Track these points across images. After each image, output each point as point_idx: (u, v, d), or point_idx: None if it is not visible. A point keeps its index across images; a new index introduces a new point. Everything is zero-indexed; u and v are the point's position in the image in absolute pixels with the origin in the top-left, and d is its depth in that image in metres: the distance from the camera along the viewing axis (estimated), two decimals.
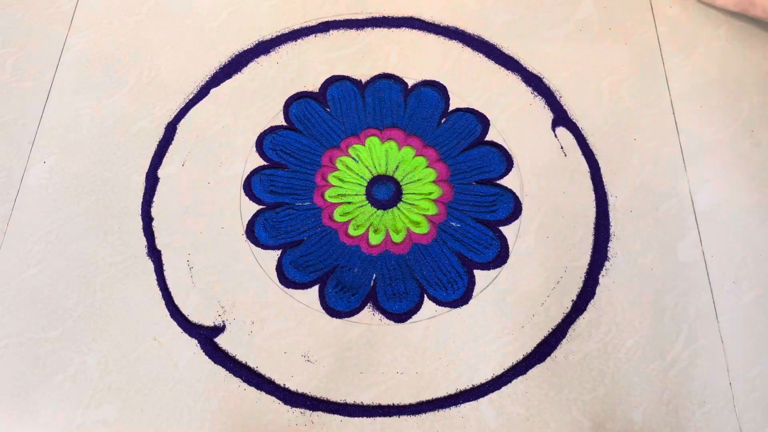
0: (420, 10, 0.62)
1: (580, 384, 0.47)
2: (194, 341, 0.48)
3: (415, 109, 0.57)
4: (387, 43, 0.60)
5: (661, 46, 0.60)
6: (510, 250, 0.52)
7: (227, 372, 0.47)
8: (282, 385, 0.47)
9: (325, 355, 0.48)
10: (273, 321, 0.49)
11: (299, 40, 0.61)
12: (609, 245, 0.52)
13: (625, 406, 0.47)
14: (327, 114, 0.57)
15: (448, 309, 0.50)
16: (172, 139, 0.56)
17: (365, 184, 0.54)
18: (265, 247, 0.52)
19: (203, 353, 0.48)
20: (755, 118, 0.57)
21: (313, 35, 0.61)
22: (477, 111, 0.57)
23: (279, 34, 0.61)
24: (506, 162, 0.55)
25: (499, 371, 0.48)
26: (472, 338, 0.49)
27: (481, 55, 0.60)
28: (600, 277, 0.51)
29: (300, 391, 0.47)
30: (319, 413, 0.46)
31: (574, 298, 0.50)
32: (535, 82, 0.58)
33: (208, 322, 0.49)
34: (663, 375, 0.47)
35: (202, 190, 0.54)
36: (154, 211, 0.53)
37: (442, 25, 0.61)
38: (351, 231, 0.52)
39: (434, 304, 0.50)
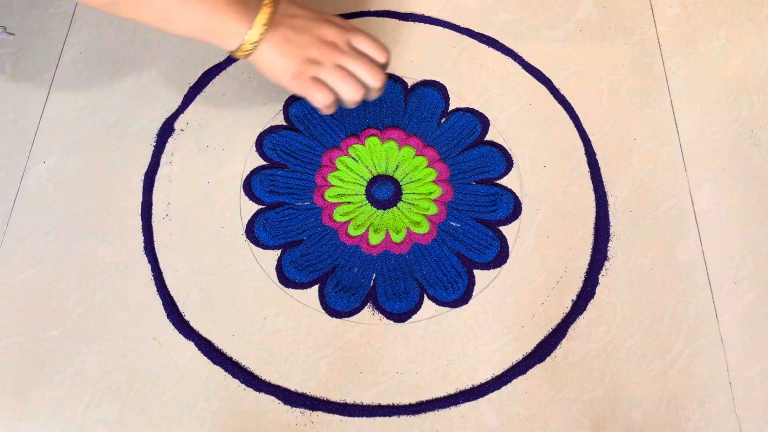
0: (420, 10, 0.62)
1: (580, 384, 0.47)
2: (192, 343, 0.48)
3: (415, 109, 0.57)
4: (388, 42, 0.60)
5: (661, 46, 0.60)
6: (510, 250, 0.52)
7: (226, 372, 0.47)
8: (282, 385, 0.47)
9: (325, 355, 0.48)
10: (273, 321, 0.49)
11: None
12: (609, 245, 0.52)
13: (625, 406, 0.47)
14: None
15: (448, 309, 0.50)
16: (172, 139, 0.56)
17: (365, 184, 0.54)
18: (265, 247, 0.52)
19: (202, 354, 0.48)
20: (755, 118, 0.57)
21: None
22: (477, 111, 0.57)
23: None
24: (506, 162, 0.55)
25: (499, 371, 0.48)
26: (472, 338, 0.49)
27: (481, 54, 0.60)
28: (600, 277, 0.51)
29: (300, 391, 0.47)
30: (319, 413, 0.46)
31: (574, 298, 0.50)
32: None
33: (207, 322, 0.49)
34: (663, 375, 0.47)
35: (202, 190, 0.54)
36: (154, 210, 0.53)
37: (442, 24, 0.61)
38: (351, 231, 0.52)
39: (434, 304, 0.50)
